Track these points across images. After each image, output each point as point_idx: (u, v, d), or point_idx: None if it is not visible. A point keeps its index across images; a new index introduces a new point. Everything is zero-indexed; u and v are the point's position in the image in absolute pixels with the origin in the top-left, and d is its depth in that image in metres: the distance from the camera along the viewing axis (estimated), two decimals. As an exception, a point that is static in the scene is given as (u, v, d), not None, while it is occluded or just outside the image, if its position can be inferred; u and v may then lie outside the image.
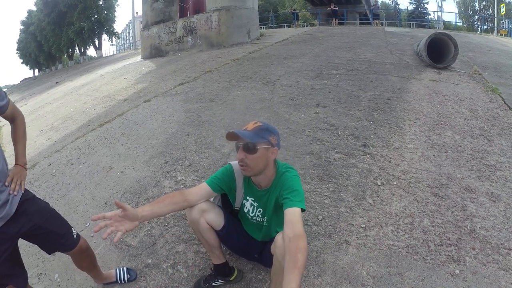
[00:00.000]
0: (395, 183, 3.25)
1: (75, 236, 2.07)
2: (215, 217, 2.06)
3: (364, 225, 2.73)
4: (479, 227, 2.68)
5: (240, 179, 2.10)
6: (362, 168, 3.50)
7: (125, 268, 2.52)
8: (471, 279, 2.23)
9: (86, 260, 2.26)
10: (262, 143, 1.85)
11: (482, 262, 2.36)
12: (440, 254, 2.43)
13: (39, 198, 2.03)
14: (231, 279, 2.31)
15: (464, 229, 2.66)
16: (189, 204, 2.00)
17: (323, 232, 2.69)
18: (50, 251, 2.05)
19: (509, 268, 2.31)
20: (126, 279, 2.47)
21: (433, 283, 2.21)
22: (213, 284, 2.30)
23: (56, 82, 18.47)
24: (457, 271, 2.29)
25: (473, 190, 3.14)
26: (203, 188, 2.06)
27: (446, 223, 2.73)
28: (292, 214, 1.68)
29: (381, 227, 2.70)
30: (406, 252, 2.45)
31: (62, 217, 2.08)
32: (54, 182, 4.33)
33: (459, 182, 3.26)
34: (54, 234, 1.96)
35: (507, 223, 2.73)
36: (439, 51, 7.41)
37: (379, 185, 3.22)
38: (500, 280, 2.22)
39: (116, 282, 2.47)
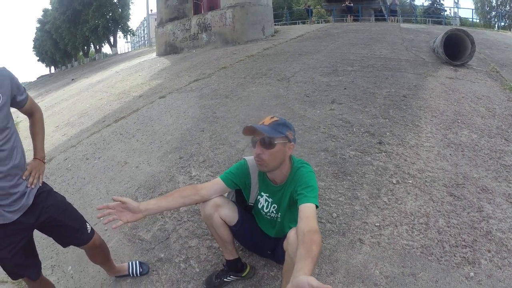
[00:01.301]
0: (410, 181, 3.20)
1: (89, 231, 2.11)
2: (229, 213, 2.07)
3: (378, 224, 2.70)
4: (496, 229, 2.62)
5: (255, 174, 2.09)
6: (378, 166, 3.46)
7: (137, 262, 2.56)
8: (485, 283, 2.18)
9: (99, 255, 2.31)
10: (280, 138, 1.83)
11: (498, 265, 2.31)
12: (455, 256, 2.39)
13: (56, 192, 2.07)
14: (243, 275, 2.32)
15: (480, 231, 2.61)
16: (202, 198, 2.01)
17: (336, 230, 2.68)
18: (64, 245, 2.09)
19: (525, 272, 2.26)
20: (138, 272, 2.50)
21: (447, 285, 2.17)
22: (225, 279, 2.31)
23: (72, 79, 18.62)
24: (472, 274, 2.25)
25: (490, 191, 3.07)
26: (217, 183, 2.06)
27: (462, 223, 2.68)
28: (307, 210, 1.68)
29: (396, 226, 2.67)
30: (421, 253, 2.42)
31: (77, 212, 2.12)
32: (69, 177, 4.40)
33: (475, 182, 3.19)
34: (69, 228, 2.00)
35: (524, 225, 2.66)
36: (455, 47, 7.28)
37: (394, 184, 3.18)
38: (516, 284, 2.17)
39: (128, 275, 2.51)
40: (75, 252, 2.82)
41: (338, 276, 2.28)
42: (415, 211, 2.82)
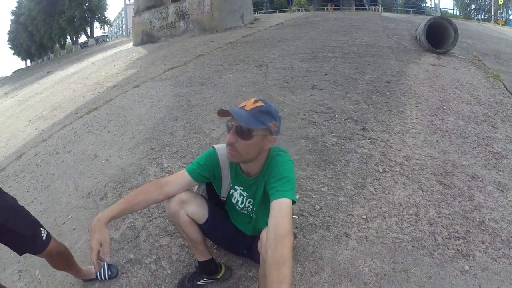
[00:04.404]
0: (397, 169, 3.04)
1: (44, 238, 1.87)
2: (196, 209, 1.82)
3: (365, 216, 2.52)
4: (488, 219, 2.49)
5: (226, 165, 1.83)
6: (362, 153, 3.30)
7: (106, 264, 2.33)
8: (481, 276, 2.05)
9: (59, 262, 2.07)
10: (260, 130, 1.54)
11: (493, 257, 2.18)
12: (448, 248, 2.24)
13: (6, 193, 1.82)
14: (218, 277, 2.09)
15: (473, 221, 2.47)
16: (167, 196, 1.76)
17: (320, 224, 2.48)
18: (20, 253, 1.85)
19: (521, 263, 2.14)
20: (106, 275, 2.29)
21: (441, 280, 2.02)
22: (198, 283, 2.08)
23: (48, 72, 18.23)
24: (467, 267, 2.10)
25: (480, 179, 2.95)
26: (183, 176, 1.80)
27: (453, 213, 2.54)
28: (278, 209, 1.45)
29: (384, 218, 2.50)
30: (412, 246, 2.25)
31: (31, 217, 1.88)
32: (38, 173, 4.17)
33: (465, 170, 3.06)
34: (18, 235, 1.76)
35: (517, 214, 2.55)
36: (437, 36, 7.23)
37: (380, 172, 3.01)
38: (512, 276, 2.05)
39: (97, 279, 2.30)
40: (42, 255, 2.60)
41: (324, 275, 2.09)
42: (404, 201, 2.66)
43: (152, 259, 2.37)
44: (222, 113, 1.57)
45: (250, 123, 1.51)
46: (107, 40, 36.39)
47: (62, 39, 41.38)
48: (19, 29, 45.22)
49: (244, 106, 1.58)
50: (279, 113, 1.64)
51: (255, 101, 1.58)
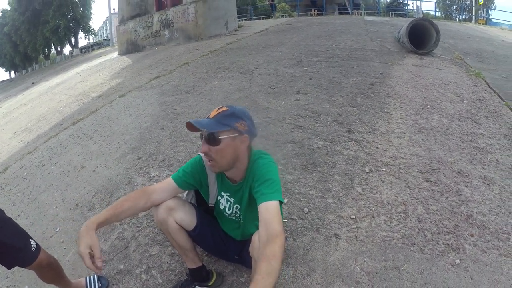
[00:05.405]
0: (384, 169, 3.07)
1: (33, 249, 1.84)
2: (185, 216, 1.81)
3: (354, 216, 2.53)
4: (476, 212, 2.53)
5: (212, 172, 1.84)
6: (348, 155, 3.31)
7: (95, 276, 2.31)
8: (472, 268, 2.08)
9: (49, 274, 2.04)
10: (226, 132, 1.58)
11: (482, 249, 2.21)
12: (438, 243, 2.26)
13: None
14: (210, 284, 2.07)
15: (461, 215, 2.50)
16: (153, 205, 1.76)
17: (309, 226, 2.48)
18: (9, 266, 1.81)
19: (510, 253, 2.18)
20: None
21: (433, 275, 2.04)
22: None
23: (32, 83, 17.96)
24: (458, 261, 2.13)
25: (466, 174, 2.99)
26: (169, 184, 1.81)
27: (441, 209, 2.57)
28: (266, 211, 1.47)
29: (373, 217, 2.51)
30: (402, 244, 2.27)
31: (19, 228, 1.86)
32: (25, 186, 4.11)
33: (450, 166, 3.11)
34: (8, 246, 1.72)
35: (504, 206, 2.60)
36: (420, 37, 7.31)
37: (367, 173, 3.03)
38: (502, 267, 2.08)
39: None
40: (31, 270, 2.55)
41: (315, 277, 2.09)
42: (392, 200, 2.68)
43: (142, 269, 2.35)
44: (190, 128, 1.62)
45: (212, 127, 1.56)
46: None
47: (46, 50, 41.00)
48: (2, 39, 44.43)
49: (209, 115, 1.63)
50: (246, 113, 1.68)
51: (219, 108, 1.65)
